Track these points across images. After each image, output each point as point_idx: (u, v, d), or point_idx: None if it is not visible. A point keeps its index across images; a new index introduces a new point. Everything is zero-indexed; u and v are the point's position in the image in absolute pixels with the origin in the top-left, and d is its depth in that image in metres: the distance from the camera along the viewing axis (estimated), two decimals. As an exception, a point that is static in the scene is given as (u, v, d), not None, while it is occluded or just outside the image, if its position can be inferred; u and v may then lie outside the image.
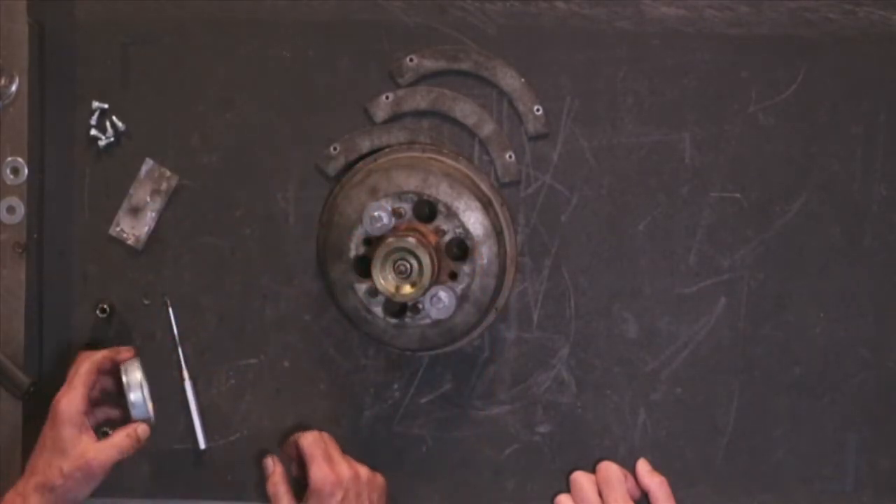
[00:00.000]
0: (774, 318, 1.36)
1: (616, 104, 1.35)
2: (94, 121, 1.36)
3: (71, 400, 1.25)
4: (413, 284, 1.27)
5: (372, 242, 1.29)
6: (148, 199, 1.37)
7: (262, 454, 1.35)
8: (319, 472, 1.26)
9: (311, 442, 1.29)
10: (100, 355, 1.31)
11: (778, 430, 1.37)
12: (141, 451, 1.29)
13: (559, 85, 1.35)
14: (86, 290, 1.38)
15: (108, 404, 1.33)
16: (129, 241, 1.38)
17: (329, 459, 1.28)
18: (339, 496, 1.25)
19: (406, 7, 1.35)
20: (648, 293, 1.36)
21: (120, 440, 1.26)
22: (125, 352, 1.33)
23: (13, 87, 1.32)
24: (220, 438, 1.39)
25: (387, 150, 1.36)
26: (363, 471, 1.29)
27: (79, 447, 1.23)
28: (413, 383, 1.39)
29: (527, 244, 1.36)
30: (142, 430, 1.28)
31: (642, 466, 1.05)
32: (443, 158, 1.34)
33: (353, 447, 1.38)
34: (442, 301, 1.27)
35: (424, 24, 1.35)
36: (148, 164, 1.37)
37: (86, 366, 1.28)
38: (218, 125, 1.37)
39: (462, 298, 1.30)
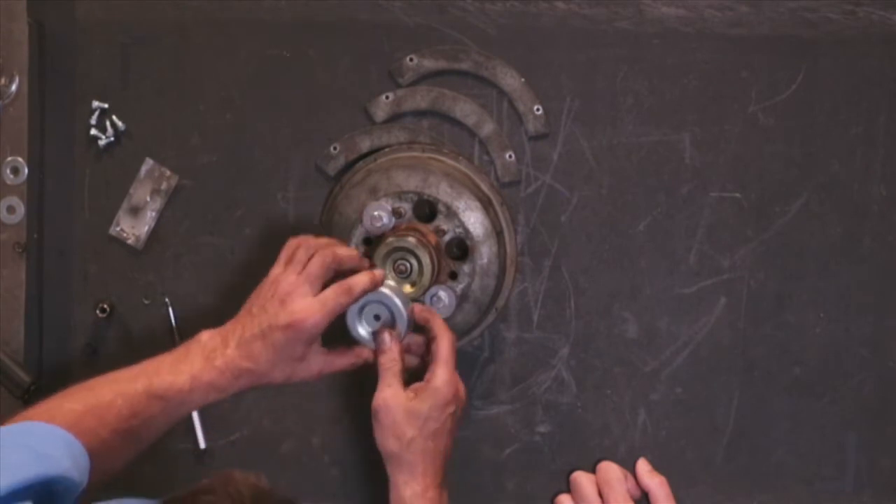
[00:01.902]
0: (774, 318, 1.36)
1: (616, 104, 1.35)
2: (94, 121, 1.36)
3: (319, 323, 1.16)
4: (413, 284, 1.27)
5: (372, 242, 1.29)
6: (148, 198, 1.37)
7: (263, 454, 1.36)
8: (448, 376, 1.21)
9: (451, 345, 1.23)
10: (359, 290, 1.19)
11: (778, 430, 1.37)
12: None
13: (559, 85, 1.35)
14: (86, 290, 1.38)
15: None
16: (129, 241, 1.38)
17: (456, 371, 1.23)
18: (451, 408, 1.21)
19: (406, 7, 1.35)
20: (648, 293, 1.36)
21: (341, 362, 1.21)
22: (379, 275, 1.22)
23: (13, 87, 1.32)
24: (220, 438, 1.39)
25: (387, 149, 1.36)
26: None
27: (310, 361, 1.18)
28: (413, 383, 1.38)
29: (527, 244, 1.36)
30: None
31: (642, 466, 1.05)
32: (443, 158, 1.34)
33: (354, 447, 1.38)
34: (442, 301, 1.27)
35: (424, 24, 1.35)
36: (148, 164, 1.37)
37: (345, 297, 1.18)
38: (218, 125, 1.37)
39: (462, 298, 1.30)
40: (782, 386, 1.37)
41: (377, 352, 1.22)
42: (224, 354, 1.17)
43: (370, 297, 1.22)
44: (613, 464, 1.05)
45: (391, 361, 1.21)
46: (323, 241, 1.23)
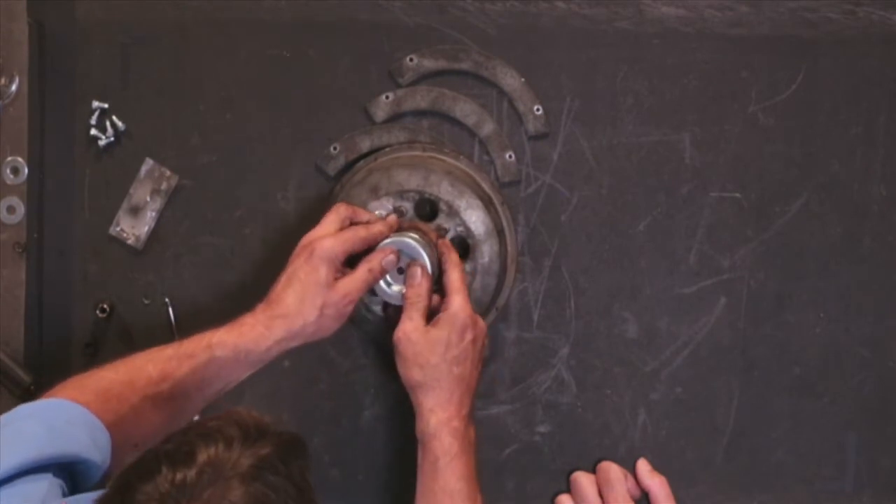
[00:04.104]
0: (774, 318, 1.36)
1: (616, 104, 1.35)
2: (94, 121, 1.36)
3: (334, 244, 1.21)
4: (413, 283, 1.27)
5: (372, 242, 1.29)
6: (148, 198, 1.37)
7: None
8: (462, 303, 1.23)
9: (462, 276, 1.26)
10: (376, 230, 1.25)
11: (778, 430, 1.37)
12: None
13: (559, 85, 1.35)
14: (86, 290, 1.38)
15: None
16: (129, 241, 1.38)
17: (469, 301, 1.25)
18: (469, 334, 1.23)
19: (406, 7, 1.35)
20: (648, 293, 1.36)
21: (362, 274, 1.22)
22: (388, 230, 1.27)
23: (13, 87, 1.32)
24: (220, 438, 1.39)
25: (387, 149, 1.36)
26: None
27: (336, 286, 1.20)
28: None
29: (527, 244, 1.36)
30: (387, 261, 1.24)
31: (642, 466, 1.05)
32: (443, 157, 1.34)
33: (353, 447, 1.38)
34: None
35: (424, 24, 1.35)
36: (148, 164, 1.37)
37: (363, 230, 1.24)
38: (218, 125, 1.37)
39: (462, 298, 1.30)
40: (782, 386, 1.37)
41: (406, 286, 1.24)
42: (254, 315, 1.20)
43: (392, 243, 1.24)
44: (613, 464, 1.06)
45: (416, 296, 1.24)
46: None
